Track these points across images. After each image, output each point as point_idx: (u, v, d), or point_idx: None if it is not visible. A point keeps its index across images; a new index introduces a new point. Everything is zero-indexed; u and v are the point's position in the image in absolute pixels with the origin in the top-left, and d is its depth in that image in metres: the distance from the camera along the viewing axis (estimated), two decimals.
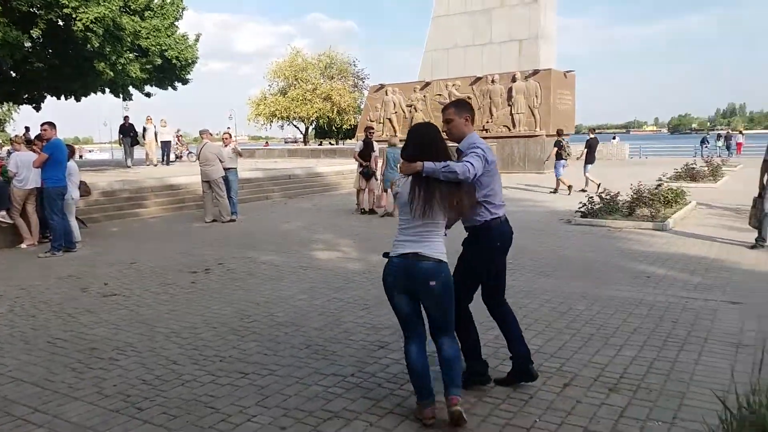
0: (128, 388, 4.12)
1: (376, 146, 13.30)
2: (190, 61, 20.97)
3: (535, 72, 24.45)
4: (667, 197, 11.56)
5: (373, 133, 13.58)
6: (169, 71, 20.79)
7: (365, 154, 12.99)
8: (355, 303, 6.11)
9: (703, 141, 39.33)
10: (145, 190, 14.74)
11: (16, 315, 6.01)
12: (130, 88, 21.28)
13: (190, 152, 28.62)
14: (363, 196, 13.41)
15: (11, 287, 7.17)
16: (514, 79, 24.61)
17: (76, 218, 10.07)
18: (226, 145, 13.03)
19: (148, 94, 22.60)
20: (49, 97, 21.52)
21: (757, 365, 4.07)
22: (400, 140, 17.32)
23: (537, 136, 24.01)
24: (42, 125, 9.46)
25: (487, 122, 25.10)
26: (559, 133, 17.66)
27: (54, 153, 9.13)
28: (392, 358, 4.54)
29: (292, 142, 68.49)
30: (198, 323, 5.58)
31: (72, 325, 5.63)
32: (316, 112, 45.81)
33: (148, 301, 6.43)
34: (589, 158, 17.45)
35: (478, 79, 25.74)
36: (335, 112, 45.94)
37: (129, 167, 21.28)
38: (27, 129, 24.94)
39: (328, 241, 9.99)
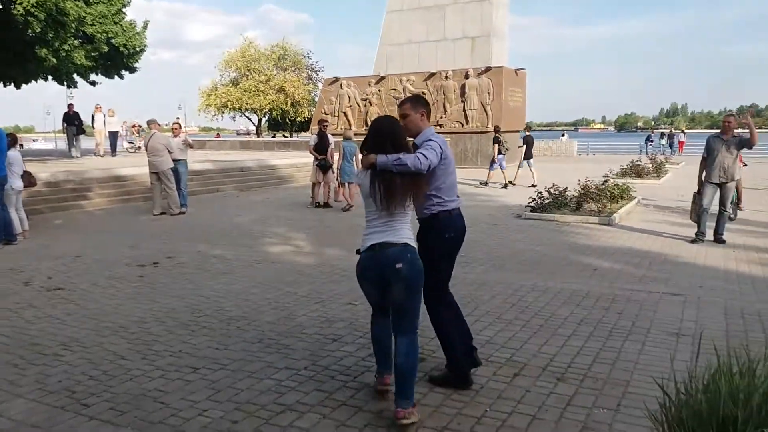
0: (74, 384, 4.00)
1: (332, 139, 13.24)
2: (137, 49, 20.43)
3: (488, 69, 24.77)
4: (613, 193, 11.90)
5: (327, 126, 13.50)
6: (116, 59, 20.19)
7: (320, 147, 12.91)
8: (308, 297, 6.09)
9: (648, 139, 40.65)
10: (90, 181, 14.29)
11: None
12: (75, 75, 20.59)
13: (131, 142, 27.83)
14: (318, 189, 13.33)
15: None
16: (467, 76, 24.87)
17: None
18: (175, 136, 12.74)
19: (93, 83, 21.90)
20: None
21: (695, 353, 4.25)
22: (355, 134, 17.29)
23: (489, 132, 24.32)
24: None
25: (441, 118, 25.30)
26: (497, 129, 18.37)
27: None
28: (346, 351, 4.55)
29: (244, 134, 67.46)
30: (147, 318, 5.45)
31: (13, 320, 5.42)
32: (269, 103, 45.20)
33: (94, 295, 6.24)
34: (527, 154, 18.20)
35: (432, 74, 25.91)
36: (289, 104, 45.43)
37: (74, 157, 20.46)
38: None
39: (282, 234, 9.91)
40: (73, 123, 21.20)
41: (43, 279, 6.96)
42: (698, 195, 8.94)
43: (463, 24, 26.41)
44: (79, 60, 17.83)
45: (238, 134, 72.47)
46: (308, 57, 49.40)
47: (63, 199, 13.14)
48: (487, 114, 24.68)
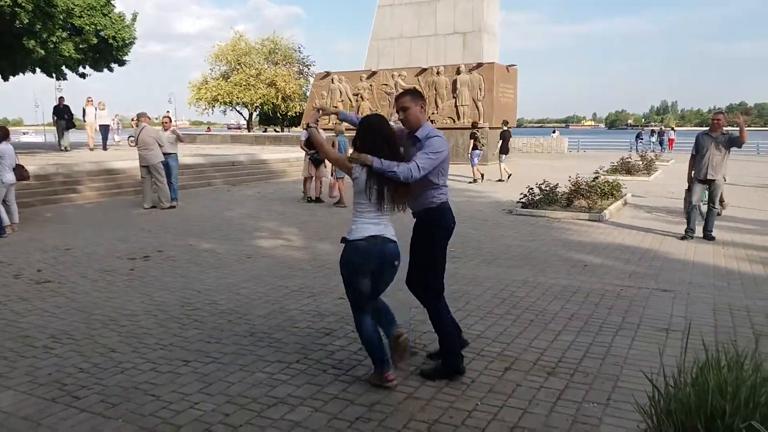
0: (64, 376, 3.99)
1: (323, 134, 13.19)
2: (127, 41, 20.22)
3: (479, 65, 24.81)
4: (603, 189, 11.97)
5: (318, 120, 13.45)
6: (105, 52, 19.98)
7: (311, 142, 12.85)
8: (300, 291, 6.09)
9: (638, 136, 40.82)
10: (80, 174, 14.19)
11: None
12: (64, 68, 20.38)
13: (131, 136, 27.54)
14: (310, 184, 13.31)
15: None
16: (458, 72, 24.89)
17: None
18: (165, 130, 12.66)
19: (82, 75, 21.68)
20: None
21: (684, 348, 4.29)
22: (347, 129, 17.26)
23: (482, 128, 24.35)
24: None
25: (433, 113, 25.31)
26: (474, 125, 18.67)
27: None
28: (337, 345, 4.56)
29: (235, 128, 67.19)
30: (137, 311, 5.44)
31: (3, 312, 5.39)
32: (260, 98, 45.01)
33: (84, 288, 6.21)
34: (503, 149, 18.35)
35: (424, 70, 25.92)
36: (280, 98, 45.25)
37: (64, 150, 20.23)
38: None
39: (273, 229, 9.89)
40: (63, 116, 20.90)
41: (32, 272, 6.91)
42: (688, 192, 9.01)
43: (455, 19, 26.42)
44: (68, 52, 17.64)
45: (228, 128, 72.19)
46: (299, 51, 49.26)
47: (53, 192, 13.04)
48: (478, 110, 24.72)
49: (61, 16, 16.62)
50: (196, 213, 11.61)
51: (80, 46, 18.34)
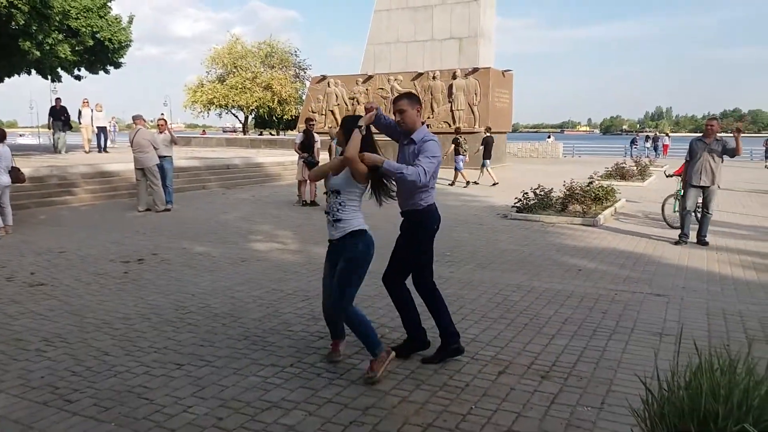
0: (57, 380, 3.97)
1: (317, 138, 13.21)
2: (123, 43, 20.19)
3: (475, 70, 24.87)
4: (598, 194, 12.00)
5: (313, 125, 13.47)
6: (101, 54, 19.96)
7: (306, 145, 12.88)
8: (294, 294, 6.08)
9: (633, 142, 41.04)
10: (75, 176, 14.14)
11: None
12: (59, 70, 20.32)
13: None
14: (305, 187, 13.31)
15: None
16: (454, 76, 24.95)
17: None
18: (161, 132, 12.65)
19: (78, 77, 21.62)
20: None
21: (677, 352, 4.30)
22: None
23: (476, 132, 24.43)
24: None
25: (429, 118, 25.33)
26: (457, 131, 19.09)
27: None
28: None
29: (230, 131, 67.12)
30: (131, 314, 5.42)
31: None
32: (255, 101, 44.95)
33: (78, 291, 6.19)
34: (486, 154, 18.65)
35: (420, 74, 25.97)
36: (276, 101, 45.20)
37: (60, 153, 20.02)
38: None
39: (268, 232, 9.88)
40: (59, 118, 20.58)
41: (26, 274, 6.88)
42: (682, 198, 9.04)
43: (451, 25, 26.48)
44: (64, 54, 17.61)
45: (224, 131, 72.09)
46: (296, 55, 49.24)
47: (47, 195, 12.99)
48: (474, 114, 24.78)
49: (57, 18, 16.60)
50: (191, 216, 11.59)
51: (76, 48, 18.31)
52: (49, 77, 21.18)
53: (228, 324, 5.14)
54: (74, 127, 22.64)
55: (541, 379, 4.01)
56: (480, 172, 18.79)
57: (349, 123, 3.97)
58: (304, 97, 37.86)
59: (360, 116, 4.00)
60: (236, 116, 51.85)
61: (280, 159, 20.76)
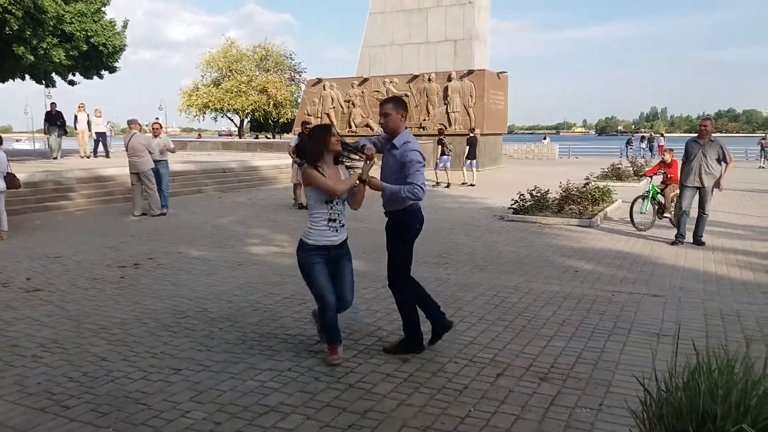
0: (54, 385, 3.95)
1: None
2: (117, 48, 20.14)
3: (470, 72, 24.93)
4: (594, 195, 12.02)
5: (309, 128, 13.46)
6: (95, 58, 19.90)
7: (302, 149, 12.84)
8: (292, 298, 6.07)
9: (628, 143, 41.12)
10: (71, 181, 14.11)
11: None
12: (53, 75, 20.26)
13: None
14: (300, 190, 13.28)
15: None
16: (449, 79, 25.01)
17: None
18: (155, 136, 12.62)
19: (71, 82, 21.55)
20: None
21: (675, 353, 4.31)
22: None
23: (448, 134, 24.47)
24: None
25: (424, 120, 25.40)
26: (440, 132, 19.22)
27: None
28: None
29: (226, 135, 67.02)
30: (128, 319, 5.40)
31: None
32: (251, 104, 44.97)
33: (74, 296, 6.17)
34: (470, 154, 18.95)
35: (415, 77, 26.01)
36: (271, 105, 45.24)
37: (55, 158, 19.84)
38: None
39: (264, 236, 9.87)
40: (55, 123, 20.30)
41: (21, 280, 6.85)
42: (678, 198, 9.06)
43: (446, 27, 26.54)
44: (58, 58, 17.56)
45: (219, 135, 71.99)
46: (291, 58, 49.31)
47: (42, 200, 12.95)
48: (470, 116, 24.82)
49: (52, 23, 16.57)
50: (187, 220, 11.57)
51: (70, 53, 18.26)
52: (44, 82, 21.12)
53: (225, 328, 5.13)
54: (70, 132, 22.39)
55: (539, 381, 4.01)
56: (472, 171, 19.07)
57: (318, 133, 4.26)
58: (299, 101, 37.82)
59: (329, 125, 4.39)
60: (232, 120, 51.89)
61: (276, 162, 20.74)
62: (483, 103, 24.70)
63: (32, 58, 16.84)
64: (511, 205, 11.92)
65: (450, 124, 24.79)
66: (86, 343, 4.78)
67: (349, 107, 27.56)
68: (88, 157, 20.72)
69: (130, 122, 12.71)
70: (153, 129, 12.91)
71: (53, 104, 20.60)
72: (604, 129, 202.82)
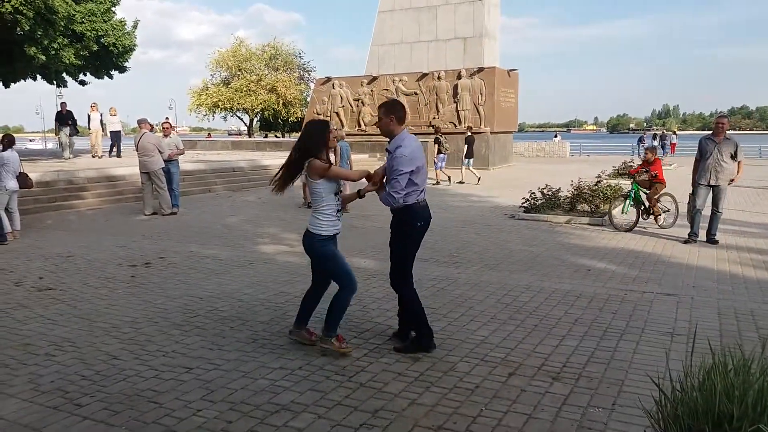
0: (66, 384, 3.97)
1: None
2: (127, 48, 20.23)
3: (480, 70, 24.81)
4: (606, 194, 11.93)
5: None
6: (106, 58, 20.01)
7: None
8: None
9: (640, 140, 40.78)
10: (82, 181, 14.20)
11: None
12: (64, 75, 20.39)
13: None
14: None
15: None
16: (459, 76, 24.91)
17: None
18: (165, 135, 12.66)
19: (82, 82, 21.68)
20: None
21: (689, 353, 4.27)
22: (348, 134, 17.27)
23: (482, 132, 24.39)
24: None
25: (434, 118, 25.31)
26: (437, 131, 19.20)
27: None
28: None
29: (236, 134, 67.22)
30: (139, 318, 5.42)
31: (4, 320, 5.37)
32: (260, 103, 45.03)
33: (86, 295, 6.20)
34: (468, 153, 19.12)
35: (425, 75, 25.94)
36: (281, 104, 45.28)
37: (67, 158, 19.82)
38: None
39: (274, 235, 9.88)
40: (66, 122, 20.17)
41: (34, 279, 6.90)
42: (692, 196, 8.98)
43: (455, 24, 26.43)
44: (68, 59, 17.67)
45: (229, 134, 72.23)
46: (300, 57, 49.34)
47: (54, 199, 13.04)
48: (480, 114, 24.73)
49: (62, 23, 16.66)
50: (198, 219, 11.61)
51: (81, 53, 18.37)
52: (55, 82, 21.24)
53: (236, 327, 5.14)
54: (81, 132, 22.43)
55: (551, 381, 3.98)
56: (468, 170, 19.14)
57: (319, 129, 4.48)
58: (308, 99, 37.85)
59: (326, 121, 4.76)
60: (241, 119, 52.01)
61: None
62: (493, 101, 24.59)
63: (43, 58, 16.96)
64: (522, 203, 11.86)
65: (460, 122, 24.69)
66: (98, 341, 4.80)
67: (358, 106, 27.53)
68: (99, 157, 20.74)
69: (140, 122, 12.76)
70: (163, 129, 12.96)
71: (63, 104, 20.62)
72: (616, 127, 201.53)
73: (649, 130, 70.31)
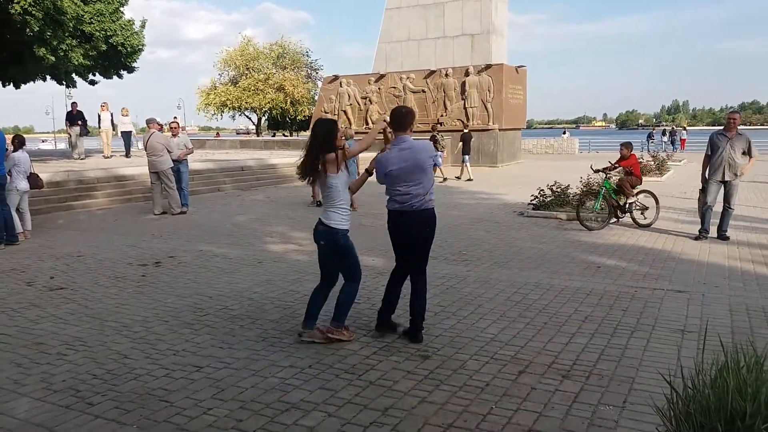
0: (78, 383, 4.00)
1: None
2: (136, 48, 20.26)
3: (488, 66, 24.74)
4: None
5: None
6: (115, 58, 20.04)
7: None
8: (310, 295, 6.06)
9: (650, 136, 40.56)
10: (92, 180, 14.28)
11: None
12: (74, 75, 20.46)
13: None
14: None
15: None
16: (467, 73, 24.85)
17: None
18: (174, 135, 12.70)
19: (92, 82, 21.75)
20: None
21: (700, 350, 4.24)
22: (356, 132, 17.28)
23: (490, 129, 24.34)
24: None
25: (442, 115, 25.28)
26: (434, 128, 19.38)
27: None
28: (350, 349, 4.54)
29: (244, 133, 67.38)
30: (150, 317, 5.45)
31: (17, 320, 5.42)
32: (268, 102, 45.09)
33: (97, 294, 6.24)
34: (465, 150, 19.20)
35: (432, 72, 25.89)
36: (288, 102, 45.32)
37: (77, 159, 19.87)
38: None
39: (284, 233, 9.90)
40: (76, 122, 20.15)
41: (45, 279, 6.95)
42: (702, 192, 8.91)
43: (463, 21, 26.36)
44: (77, 60, 17.73)
45: (237, 133, 72.39)
46: (307, 55, 49.35)
47: (64, 199, 13.13)
48: (488, 111, 24.66)
49: (71, 23, 16.72)
50: (207, 218, 11.65)
51: (90, 53, 18.44)
52: (64, 83, 21.34)
53: (246, 326, 5.15)
54: (91, 132, 22.47)
55: (562, 379, 3.96)
56: (461, 168, 19.26)
57: (328, 128, 4.51)
58: (316, 98, 37.86)
59: (334, 120, 4.93)
60: (249, 118, 52.11)
61: (294, 160, 20.60)
62: (501, 98, 24.51)
63: (53, 59, 17.03)
64: (531, 200, 11.82)
65: (468, 119, 24.63)
66: (109, 340, 4.83)
67: (365, 104, 27.51)
68: (110, 157, 20.81)
69: (149, 121, 12.81)
70: (171, 128, 13.01)
71: (74, 104, 20.67)
72: (625, 123, 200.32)
73: (658, 126, 69.91)
